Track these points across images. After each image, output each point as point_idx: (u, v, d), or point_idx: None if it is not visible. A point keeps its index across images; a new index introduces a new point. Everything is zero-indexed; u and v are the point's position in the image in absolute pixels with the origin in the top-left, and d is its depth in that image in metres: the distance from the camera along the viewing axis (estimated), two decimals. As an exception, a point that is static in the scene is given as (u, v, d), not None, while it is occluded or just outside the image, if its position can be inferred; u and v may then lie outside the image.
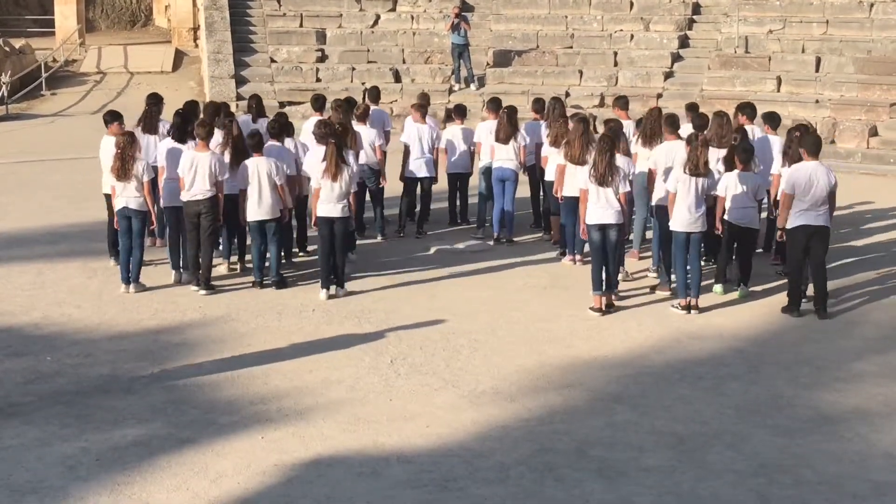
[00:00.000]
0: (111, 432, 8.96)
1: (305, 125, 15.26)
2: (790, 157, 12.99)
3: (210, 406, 9.54)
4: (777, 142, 14.14)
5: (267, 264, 13.14)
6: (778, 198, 12.78)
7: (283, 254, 13.61)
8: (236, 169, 13.17)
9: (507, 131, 15.08)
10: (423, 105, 16.12)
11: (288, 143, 13.82)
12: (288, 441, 8.83)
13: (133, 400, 9.66)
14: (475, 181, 16.18)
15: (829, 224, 12.24)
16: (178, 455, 8.56)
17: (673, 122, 13.55)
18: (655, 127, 14.09)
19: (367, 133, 15.14)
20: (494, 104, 15.97)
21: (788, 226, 12.19)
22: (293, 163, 13.60)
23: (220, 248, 13.67)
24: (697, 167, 12.18)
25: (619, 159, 12.49)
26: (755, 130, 14.42)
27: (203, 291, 12.82)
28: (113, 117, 13.71)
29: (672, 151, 13.07)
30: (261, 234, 12.98)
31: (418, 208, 16.05)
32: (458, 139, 16.14)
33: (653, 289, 13.11)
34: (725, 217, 12.76)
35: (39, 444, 8.73)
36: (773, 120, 14.60)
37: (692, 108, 15.36)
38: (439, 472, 8.29)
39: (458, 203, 16.57)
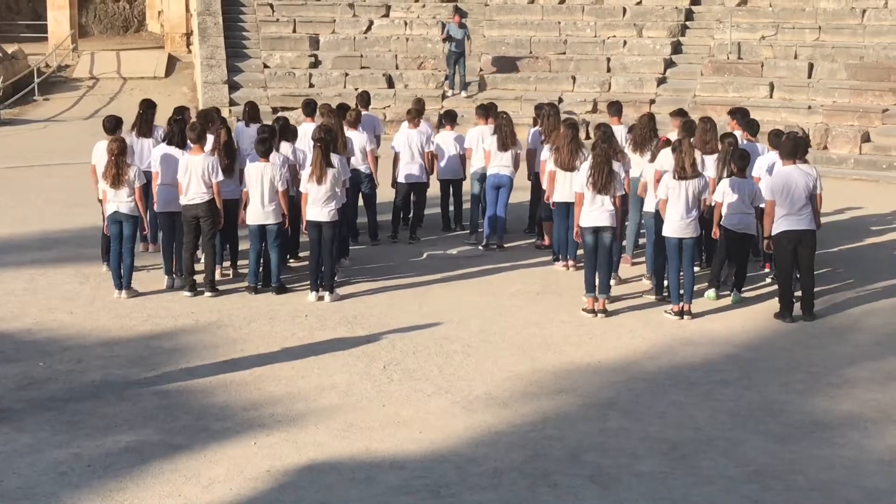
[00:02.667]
0: (103, 438, 8.94)
1: (297, 131, 15.23)
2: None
3: (202, 412, 9.52)
4: (761, 148, 14.20)
5: (262, 269, 13.17)
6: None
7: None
8: (228, 174, 13.18)
9: (513, 139, 15.09)
10: (418, 111, 16.13)
11: (286, 148, 13.80)
12: (281, 447, 8.82)
13: (125, 406, 9.64)
14: (467, 186, 16.18)
15: (813, 227, 12.28)
16: (171, 461, 8.54)
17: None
18: (646, 133, 14.13)
19: (358, 138, 15.15)
20: (483, 110, 16.01)
21: (773, 232, 12.22)
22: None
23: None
24: (684, 169, 12.21)
25: (614, 165, 12.50)
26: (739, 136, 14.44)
27: (209, 294, 12.85)
28: (115, 126, 13.54)
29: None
30: (260, 239, 12.98)
31: (411, 214, 16.05)
32: (449, 145, 16.15)
33: (644, 293, 13.14)
34: (722, 223, 12.79)
35: (31, 451, 8.70)
36: (751, 127, 14.63)
37: (680, 114, 15.36)
38: (432, 479, 8.28)
39: (451, 208, 16.58)
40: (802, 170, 12.31)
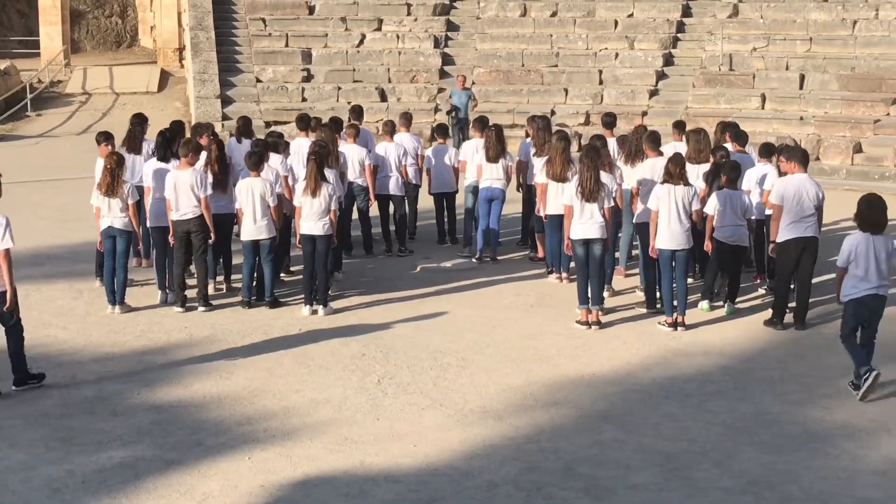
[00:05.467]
0: (97, 454, 8.92)
1: (292, 145, 15.28)
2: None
3: (196, 427, 9.50)
4: (751, 160, 14.28)
5: (255, 283, 13.17)
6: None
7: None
8: (221, 189, 13.18)
9: (496, 150, 15.10)
10: (397, 123, 16.29)
11: (276, 160, 13.81)
12: (275, 462, 8.80)
13: (118, 421, 9.62)
14: (461, 199, 16.19)
15: (818, 234, 12.32)
16: (165, 477, 8.52)
17: (654, 140, 13.64)
18: (639, 145, 14.19)
19: (357, 151, 15.17)
20: (481, 123, 16.01)
21: (779, 239, 12.24)
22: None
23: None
24: (672, 175, 12.24)
25: (603, 175, 12.54)
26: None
27: (202, 308, 12.84)
28: (105, 138, 13.72)
29: (654, 169, 13.16)
30: (253, 254, 12.99)
31: (395, 227, 16.01)
32: (442, 158, 16.17)
33: (637, 305, 13.16)
34: (715, 235, 12.82)
35: (24, 467, 8.68)
36: (740, 138, 14.70)
37: (678, 126, 15.44)
38: (427, 492, 8.27)
39: (445, 221, 16.59)
40: (811, 179, 12.39)
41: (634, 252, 14.52)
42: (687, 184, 12.37)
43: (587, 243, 12.32)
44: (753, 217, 13.27)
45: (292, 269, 14.51)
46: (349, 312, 12.93)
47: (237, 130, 15.59)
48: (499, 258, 15.43)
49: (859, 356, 10.24)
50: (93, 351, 11.56)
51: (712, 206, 12.79)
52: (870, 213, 10.20)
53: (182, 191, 12.68)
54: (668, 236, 12.29)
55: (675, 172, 12.25)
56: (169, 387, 10.47)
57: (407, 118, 16.76)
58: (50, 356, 11.29)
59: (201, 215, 12.75)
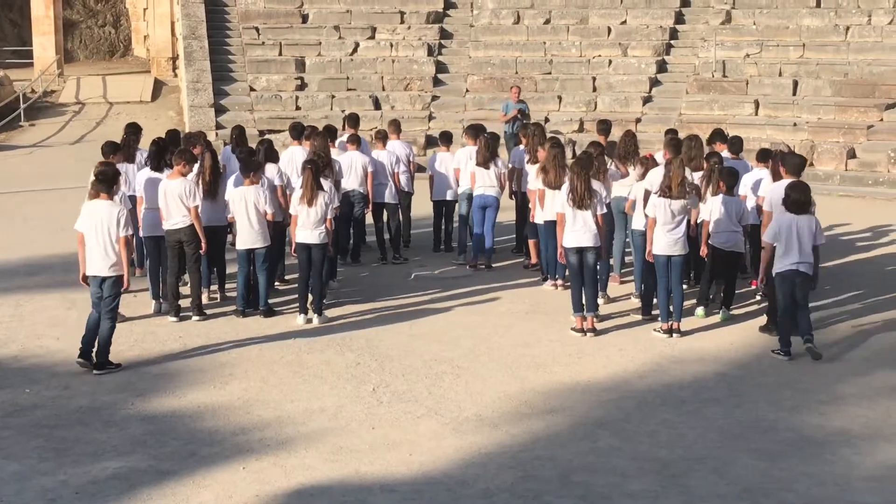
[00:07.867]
0: (91, 465, 8.88)
1: (285, 154, 15.27)
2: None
3: (191, 437, 9.47)
4: (746, 166, 14.31)
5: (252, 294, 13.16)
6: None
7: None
8: (213, 199, 13.14)
9: (484, 155, 15.12)
10: (387, 131, 16.32)
11: (271, 170, 13.78)
12: (270, 471, 8.77)
13: (113, 432, 9.58)
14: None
15: None
16: (159, 487, 8.48)
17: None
18: (629, 148, 14.20)
19: (359, 158, 15.18)
20: (473, 130, 16.02)
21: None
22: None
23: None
24: (671, 189, 12.23)
25: (594, 183, 12.52)
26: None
27: (196, 318, 12.81)
28: (113, 150, 13.69)
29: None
30: (248, 262, 12.96)
31: (388, 235, 16.01)
32: (445, 165, 16.16)
33: (632, 312, 13.15)
34: (710, 241, 12.81)
35: (18, 478, 8.63)
36: (734, 144, 14.72)
37: (672, 133, 15.44)
38: (422, 501, 8.24)
39: (443, 229, 16.57)
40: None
41: (628, 259, 14.51)
42: (685, 196, 12.34)
43: (580, 251, 12.30)
44: (749, 222, 13.26)
45: (287, 277, 14.49)
46: (344, 321, 12.91)
47: (232, 140, 15.56)
48: (493, 266, 15.42)
49: (785, 335, 11.47)
50: (87, 361, 11.52)
51: (708, 212, 12.78)
52: (795, 196, 11.41)
53: (172, 200, 12.66)
54: (665, 242, 12.28)
55: (674, 189, 12.22)
56: (163, 397, 10.44)
57: (396, 125, 16.80)
58: (43, 366, 11.25)
59: (192, 224, 12.72)
